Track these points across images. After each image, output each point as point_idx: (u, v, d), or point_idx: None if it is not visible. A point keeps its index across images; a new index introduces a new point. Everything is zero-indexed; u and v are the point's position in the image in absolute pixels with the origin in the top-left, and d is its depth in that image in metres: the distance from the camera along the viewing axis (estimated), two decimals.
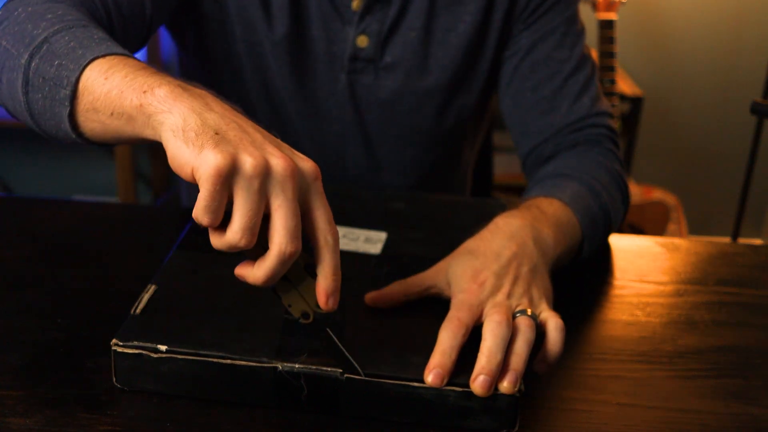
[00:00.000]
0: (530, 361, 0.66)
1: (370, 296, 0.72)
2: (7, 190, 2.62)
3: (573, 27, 1.01)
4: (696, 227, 2.68)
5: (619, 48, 2.09)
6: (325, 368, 0.63)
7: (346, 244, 0.83)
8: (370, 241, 0.84)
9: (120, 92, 0.61)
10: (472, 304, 0.68)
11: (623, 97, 2.27)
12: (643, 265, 0.93)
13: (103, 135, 0.65)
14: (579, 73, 1.00)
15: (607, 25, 2.06)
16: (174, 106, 0.58)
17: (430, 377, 0.63)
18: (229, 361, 0.64)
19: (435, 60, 1.00)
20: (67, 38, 0.68)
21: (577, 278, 0.87)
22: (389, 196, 0.95)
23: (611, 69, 2.04)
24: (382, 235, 0.85)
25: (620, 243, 0.97)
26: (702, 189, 2.71)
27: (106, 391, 0.66)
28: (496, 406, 0.63)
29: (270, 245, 0.57)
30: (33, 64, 0.67)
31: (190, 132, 0.56)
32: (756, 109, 1.23)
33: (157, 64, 2.41)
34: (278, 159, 0.57)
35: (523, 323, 0.67)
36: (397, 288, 0.73)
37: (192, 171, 0.56)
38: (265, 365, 0.64)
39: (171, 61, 2.41)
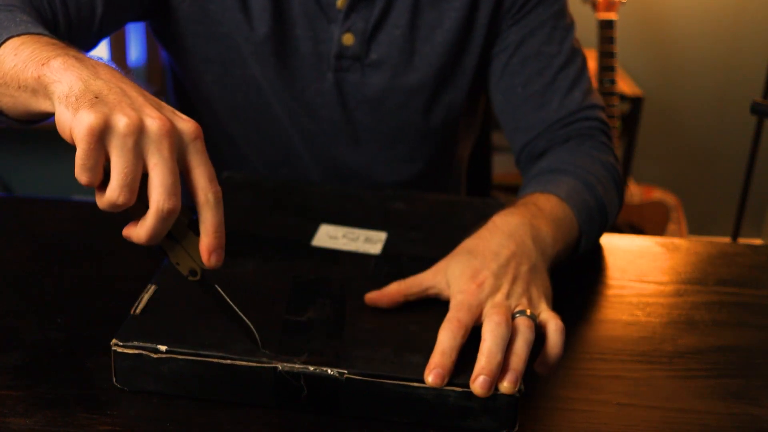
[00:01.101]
0: (530, 362, 0.66)
1: (369, 296, 0.73)
2: (7, 190, 2.62)
3: (562, 21, 1.01)
4: (696, 227, 2.68)
5: (619, 48, 2.09)
6: (325, 368, 0.63)
7: (346, 244, 0.83)
8: (370, 241, 0.84)
9: (24, 66, 0.63)
10: (472, 305, 0.68)
11: (623, 97, 2.27)
12: (643, 265, 0.93)
13: (15, 109, 0.68)
14: (569, 67, 1.00)
15: (607, 25, 2.06)
16: (64, 76, 0.60)
17: (431, 377, 0.63)
18: (229, 361, 0.64)
19: (421, 57, 1.01)
20: None
21: (578, 278, 0.87)
22: (389, 196, 0.95)
23: (611, 69, 2.04)
24: (382, 235, 0.85)
25: (620, 243, 0.97)
26: (702, 189, 2.71)
27: (106, 391, 0.66)
28: (496, 406, 0.63)
29: (149, 203, 0.58)
30: None
31: (72, 97, 0.58)
32: (756, 109, 1.23)
33: (156, 65, 2.41)
34: (153, 119, 0.58)
35: (523, 324, 0.67)
36: (395, 288, 0.73)
37: (70, 132, 0.58)
38: (265, 365, 0.64)
39: None
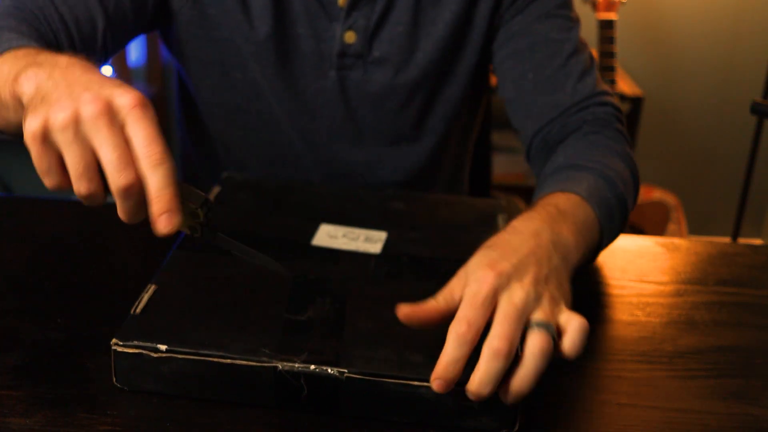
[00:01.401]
0: None
1: (403, 311, 0.64)
2: (7, 190, 2.62)
3: (567, 12, 1.01)
4: (696, 227, 2.68)
5: (619, 48, 2.09)
6: (325, 368, 0.63)
7: (346, 244, 0.83)
8: (370, 241, 0.84)
9: (3, 84, 0.65)
10: (487, 296, 0.62)
11: (623, 97, 2.27)
12: (643, 265, 0.93)
13: (9, 126, 0.69)
14: (580, 54, 0.99)
15: (607, 25, 2.06)
16: (27, 86, 0.62)
17: (434, 385, 0.60)
18: (229, 361, 0.64)
19: (423, 53, 1.01)
20: None
21: (577, 278, 0.87)
22: (389, 195, 0.95)
23: (611, 69, 2.04)
24: (382, 235, 0.85)
25: (620, 243, 0.97)
26: (702, 189, 2.71)
27: (106, 391, 0.66)
28: (496, 406, 0.63)
29: None
30: None
31: (27, 105, 0.60)
32: (756, 109, 1.23)
33: (156, 66, 2.41)
34: (87, 104, 0.58)
35: (540, 343, 0.61)
36: (434, 307, 0.64)
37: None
38: (265, 365, 0.64)
39: (170, 65, 2.40)
